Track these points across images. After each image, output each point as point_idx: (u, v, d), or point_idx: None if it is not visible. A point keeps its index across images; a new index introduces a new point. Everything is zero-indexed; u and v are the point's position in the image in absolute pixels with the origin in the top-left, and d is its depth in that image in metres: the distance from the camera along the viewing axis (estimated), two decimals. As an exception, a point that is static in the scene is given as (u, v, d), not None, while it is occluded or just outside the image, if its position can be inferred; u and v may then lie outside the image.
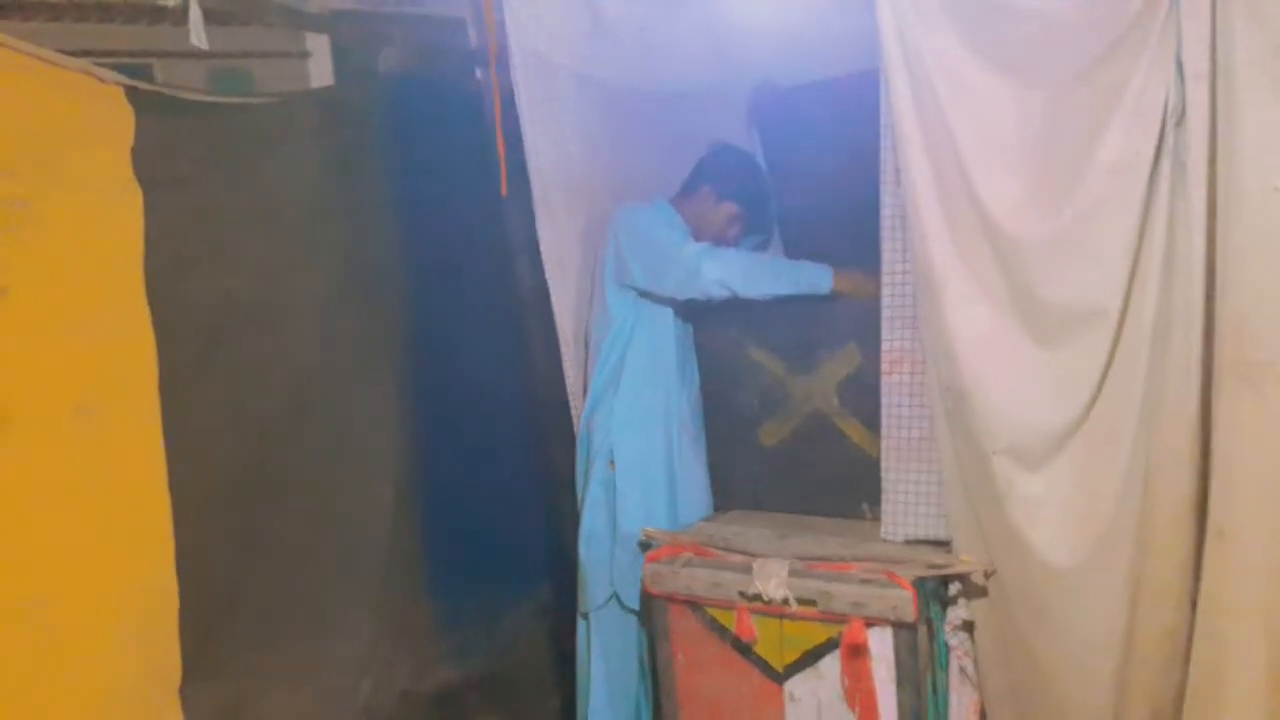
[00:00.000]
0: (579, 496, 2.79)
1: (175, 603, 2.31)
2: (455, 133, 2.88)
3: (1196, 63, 1.88)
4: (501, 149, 2.58)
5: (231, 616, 2.47)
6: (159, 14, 2.66)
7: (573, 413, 2.82)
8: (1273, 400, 1.91)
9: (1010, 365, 2.11)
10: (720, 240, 2.72)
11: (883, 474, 2.39)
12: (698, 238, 2.64)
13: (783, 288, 2.53)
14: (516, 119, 2.60)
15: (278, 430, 2.64)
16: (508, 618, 3.19)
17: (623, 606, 2.75)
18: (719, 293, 2.54)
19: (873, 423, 2.44)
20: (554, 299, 2.71)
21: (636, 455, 2.70)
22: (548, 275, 2.69)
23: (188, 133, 2.46)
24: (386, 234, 2.88)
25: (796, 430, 2.67)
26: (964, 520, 2.29)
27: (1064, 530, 2.14)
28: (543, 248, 2.67)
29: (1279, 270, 1.87)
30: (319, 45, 4.58)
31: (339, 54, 4.17)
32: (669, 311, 2.71)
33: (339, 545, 2.78)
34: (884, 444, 2.38)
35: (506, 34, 2.52)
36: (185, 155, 2.44)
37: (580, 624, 2.81)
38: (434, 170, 2.91)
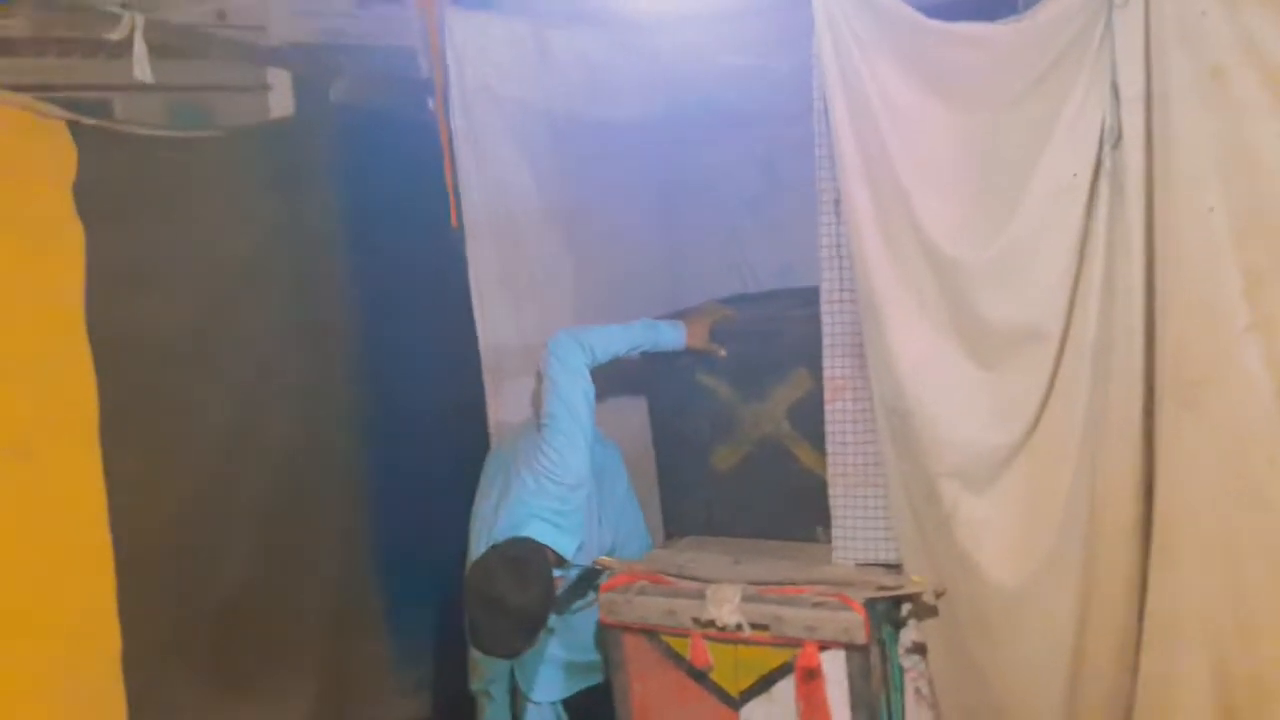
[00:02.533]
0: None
1: (118, 645, 2.26)
2: (408, 163, 2.87)
3: (1131, 86, 1.92)
4: (450, 180, 2.57)
5: (177, 658, 2.42)
6: (118, 48, 2.66)
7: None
8: (1210, 420, 1.93)
9: (953, 386, 2.13)
10: None
11: (830, 499, 2.39)
12: None
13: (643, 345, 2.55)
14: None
15: (221, 469, 2.58)
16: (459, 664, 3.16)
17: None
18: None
19: (823, 446, 2.44)
20: (479, 331, 2.66)
21: None
22: (474, 306, 2.65)
23: (133, 168, 2.44)
24: (336, 268, 2.86)
25: (748, 455, 2.67)
26: (913, 542, 2.30)
27: (1011, 551, 2.16)
28: (471, 278, 2.65)
29: (1215, 291, 1.90)
30: (280, 78, 4.55)
31: (299, 86, 4.16)
32: None
33: (286, 584, 2.72)
34: (830, 470, 2.38)
35: (448, 66, 2.53)
36: (129, 190, 2.41)
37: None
38: (386, 201, 2.90)
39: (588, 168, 2.69)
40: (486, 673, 2.64)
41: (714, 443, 2.71)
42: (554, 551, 2.33)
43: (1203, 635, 2.00)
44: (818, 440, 2.46)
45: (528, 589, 2.19)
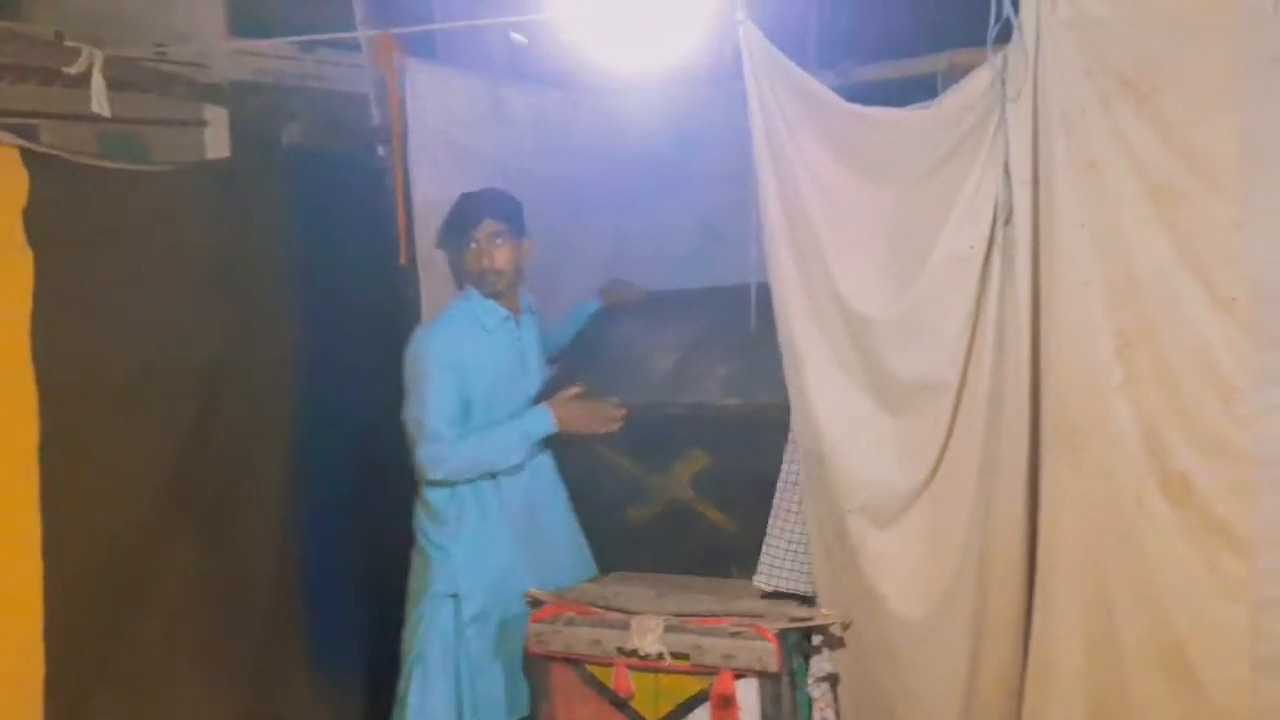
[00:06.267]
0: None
1: (40, 673, 2.26)
2: (354, 206, 2.98)
3: (1021, 171, 2.17)
4: (402, 220, 2.69)
5: (101, 689, 2.43)
6: (49, 75, 2.71)
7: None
8: (1087, 466, 2.17)
9: (863, 431, 2.34)
10: (492, 269, 2.64)
11: (769, 524, 2.52)
12: (482, 288, 2.66)
13: (515, 456, 2.63)
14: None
15: (159, 497, 2.62)
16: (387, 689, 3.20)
17: None
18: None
19: (727, 507, 2.64)
20: None
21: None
22: None
23: (82, 197, 2.48)
24: (278, 303, 2.93)
25: (659, 513, 2.80)
26: (825, 577, 2.47)
27: (912, 586, 2.35)
28: (425, 313, 2.77)
29: (1091, 352, 2.15)
30: (216, 115, 4.59)
31: (237, 125, 4.21)
32: None
33: (218, 615, 2.75)
34: (776, 499, 2.53)
35: (408, 114, 2.66)
36: (79, 219, 2.46)
37: None
38: (330, 241, 2.99)
39: (539, 218, 2.85)
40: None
41: (626, 503, 2.83)
42: None
43: (1079, 654, 2.20)
44: (723, 503, 2.65)
45: None
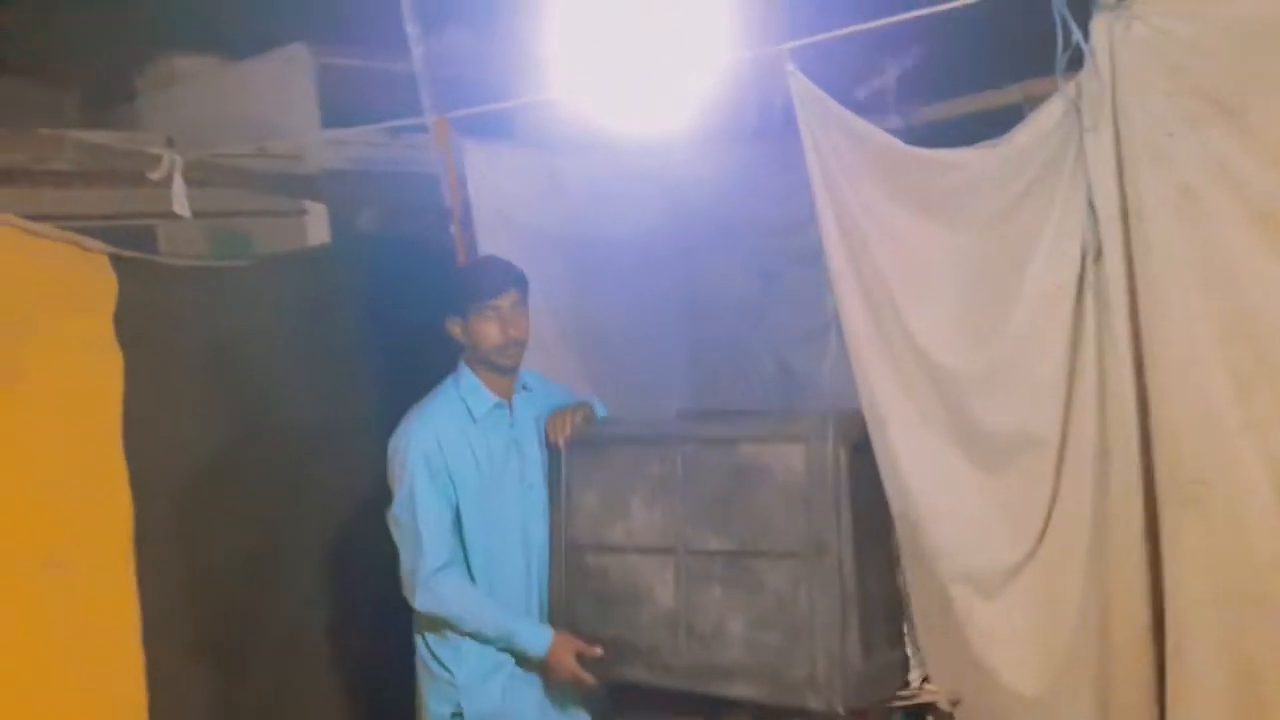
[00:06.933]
0: None
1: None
2: (430, 287, 3.00)
3: (1107, 204, 2.00)
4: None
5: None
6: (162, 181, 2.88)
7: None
8: (1212, 519, 1.95)
9: (959, 493, 2.17)
10: (517, 340, 2.43)
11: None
12: (501, 361, 2.45)
13: (492, 644, 2.40)
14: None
15: (252, 584, 2.68)
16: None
17: None
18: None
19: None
20: None
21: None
22: None
23: (171, 296, 2.59)
24: (363, 390, 2.97)
25: None
26: (930, 648, 2.29)
27: (1026, 658, 2.15)
28: None
29: (1206, 393, 1.94)
30: (315, 204, 4.77)
31: (335, 211, 4.37)
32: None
33: (314, 700, 2.78)
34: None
35: (468, 192, 2.68)
36: (168, 318, 2.56)
37: None
38: (410, 324, 3.02)
39: (601, 285, 2.79)
40: None
41: None
42: None
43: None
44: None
45: None
